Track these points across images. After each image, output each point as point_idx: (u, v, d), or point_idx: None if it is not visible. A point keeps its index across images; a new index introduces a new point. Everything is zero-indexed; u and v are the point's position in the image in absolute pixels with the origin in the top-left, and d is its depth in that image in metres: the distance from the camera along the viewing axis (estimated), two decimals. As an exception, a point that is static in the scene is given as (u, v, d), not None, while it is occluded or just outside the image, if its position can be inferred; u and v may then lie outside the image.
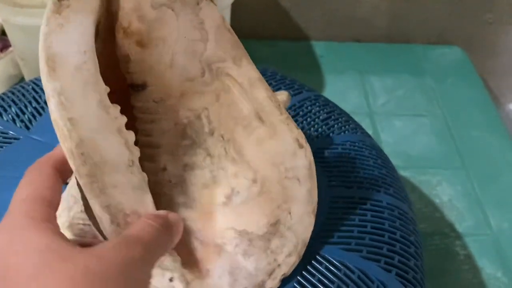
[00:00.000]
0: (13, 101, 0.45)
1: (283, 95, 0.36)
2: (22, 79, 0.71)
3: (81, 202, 0.26)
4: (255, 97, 0.27)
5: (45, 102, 0.38)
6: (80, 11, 0.22)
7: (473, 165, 0.74)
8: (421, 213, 0.67)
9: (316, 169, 0.41)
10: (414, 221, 0.40)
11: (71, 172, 0.23)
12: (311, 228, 0.31)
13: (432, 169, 0.73)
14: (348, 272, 0.34)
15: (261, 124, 0.27)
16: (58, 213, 0.29)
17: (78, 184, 0.23)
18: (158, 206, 0.28)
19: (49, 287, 0.17)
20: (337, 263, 0.34)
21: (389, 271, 0.35)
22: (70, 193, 0.29)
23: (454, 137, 0.78)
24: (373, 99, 0.84)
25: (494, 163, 0.75)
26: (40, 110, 0.44)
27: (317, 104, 0.48)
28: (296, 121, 0.41)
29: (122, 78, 0.27)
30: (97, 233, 0.26)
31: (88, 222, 0.26)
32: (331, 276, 0.33)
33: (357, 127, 0.47)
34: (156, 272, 0.26)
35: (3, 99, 0.45)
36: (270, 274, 0.29)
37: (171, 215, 0.24)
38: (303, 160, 0.29)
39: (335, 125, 0.46)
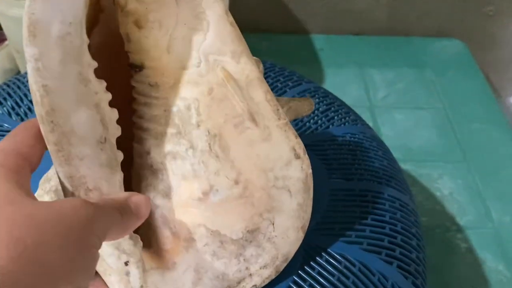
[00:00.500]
0: (8, 94, 0.44)
1: (305, 102, 0.33)
2: (18, 72, 0.71)
3: None
4: (251, 97, 0.26)
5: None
6: None
7: (474, 158, 0.74)
8: (422, 207, 0.67)
9: (316, 162, 0.40)
10: (415, 213, 0.40)
11: None
12: (297, 245, 0.29)
13: (433, 163, 0.73)
14: (348, 264, 0.33)
15: (254, 126, 0.26)
16: (49, 175, 0.29)
17: None
18: (137, 188, 0.28)
19: None
20: (337, 256, 0.33)
21: (390, 263, 0.34)
22: None
23: (455, 130, 0.78)
24: (373, 93, 0.84)
25: (495, 156, 0.75)
26: (36, 103, 0.43)
27: (317, 95, 0.48)
28: (295, 112, 0.41)
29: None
30: None
31: None
32: (332, 269, 0.33)
33: (357, 118, 0.47)
34: (111, 253, 0.26)
35: (-2, 92, 0.44)
36: (239, 282, 0.29)
37: (135, 198, 0.23)
38: (298, 172, 0.27)
39: (335, 117, 0.45)
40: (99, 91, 0.23)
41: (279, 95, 0.47)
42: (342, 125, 0.45)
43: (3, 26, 0.64)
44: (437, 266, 0.61)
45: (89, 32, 0.27)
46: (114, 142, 0.24)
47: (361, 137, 0.44)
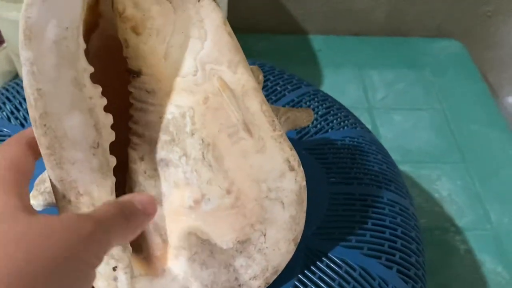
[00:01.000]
0: (7, 98, 0.44)
1: (303, 112, 0.33)
2: (16, 74, 0.71)
3: None
4: (247, 107, 0.26)
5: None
6: None
7: (473, 159, 0.74)
8: (421, 208, 0.67)
9: (316, 166, 0.40)
10: (415, 217, 0.40)
11: None
12: (288, 257, 0.29)
13: (432, 164, 0.73)
14: (349, 269, 0.33)
15: (249, 136, 0.26)
16: (44, 176, 0.29)
17: None
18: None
19: None
20: (338, 261, 0.33)
21: (390, 268, 0.34)
22: None
23: (453, 131, 0.78)
24: (372, 93, 0.84)
25: (494, 157, 0.75)
26: (35, 107, 0.43)
27: (316, 99, 0.48)
28: (295, 116, 0.41)
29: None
30: None
31: None
32: (332, 274, 0.33)
33: (357, 122, 0.47)
34: None
35: (-3, 96, 0.44)
36: None
37: (139, 197, 0.23)
38: (291, 184, 0.27)
39: (334, 121, 0.45)
40: (93, 96, 0.23)
41: (279, 99, 0.47)
42: (341, 128, 0.45)
43: (1, 29, 0.64)
44: (436, 267, 0.61)
45: (88, 36, 0.27)
46: (107, 148, 0.24)
47: (360, 140, 0.44)
